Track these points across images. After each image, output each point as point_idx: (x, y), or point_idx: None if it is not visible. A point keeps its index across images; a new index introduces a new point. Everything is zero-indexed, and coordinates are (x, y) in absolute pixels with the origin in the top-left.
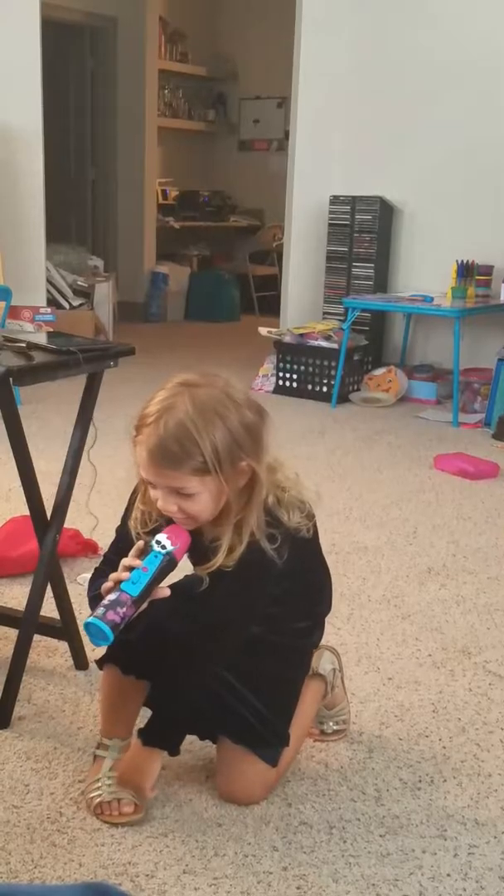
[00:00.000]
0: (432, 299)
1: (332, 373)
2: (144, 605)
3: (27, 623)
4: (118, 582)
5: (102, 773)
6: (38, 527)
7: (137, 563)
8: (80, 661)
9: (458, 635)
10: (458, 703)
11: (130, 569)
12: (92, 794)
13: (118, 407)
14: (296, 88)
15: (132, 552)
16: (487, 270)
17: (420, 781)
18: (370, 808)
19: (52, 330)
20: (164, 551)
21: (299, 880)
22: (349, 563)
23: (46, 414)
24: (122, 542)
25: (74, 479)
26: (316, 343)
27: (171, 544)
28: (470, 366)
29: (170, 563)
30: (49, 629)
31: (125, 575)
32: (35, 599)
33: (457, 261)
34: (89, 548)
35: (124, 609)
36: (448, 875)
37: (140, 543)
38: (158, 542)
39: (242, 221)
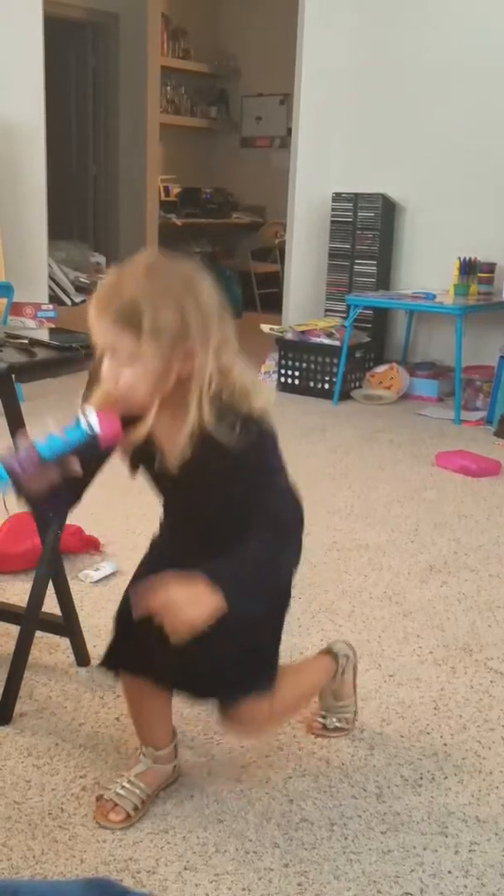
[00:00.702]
0: (434, 296)
1: (334, 370)
2: (52, 474)
3: (29, 619)
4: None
5: (129, 773)
6: (40, 523)
7: (60, 428)
8: (81, 658)
9: (459, 633)
10: (460, 701)
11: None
12: (109, 786)
13: None
14: (298, 85)
15: (60, 415)
16: (490, 268)
17: (421, 778)
18: (371, 805)
19: (53, 326)
20: (87, 430)
21: (300, 877)
22: (350, 561)
23: (48, 410)
24: None
25: None
26: (318, 340)
27: (97, 426)
28: (472, 363)
29: (91, 444)
30: (51, 626)
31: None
32: (37, 596)
33: (459, 258)
34: (91, 544)
35: (27, 464)
36: (449, 872)
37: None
38: (88, 422)
39: (244, 218)
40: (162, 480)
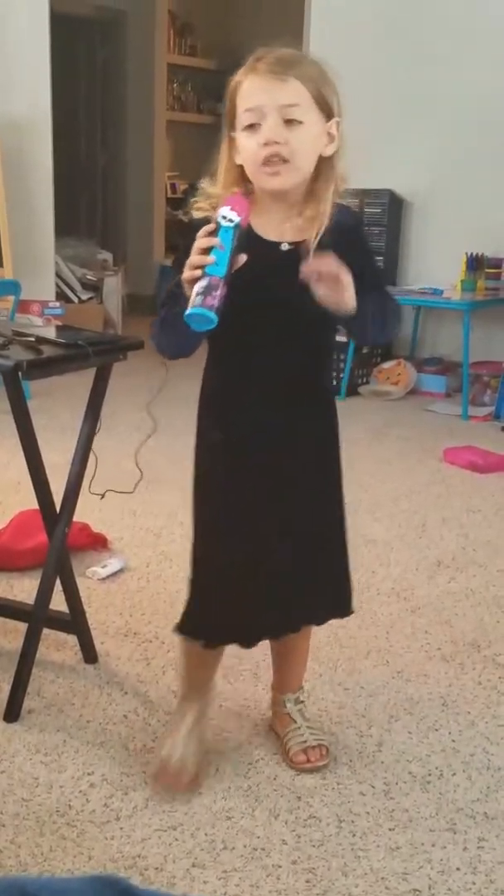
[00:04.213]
0: (442, 292)
1: (342, 365)
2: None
3: (36, 617)
4: (202, 267)
5: (184, 726)
6: (48, 520)
7: (215, 240)
8: (89, 655)
9: (467, 628)
10: (468, 697)
11: (208, 250)
12: (165, 751)
13: (127, 400)
14: None
15: (201, 234)
16: (497, 263)
17: (429, 775)
18: (379, 802)
19: (60, 324)
20: (232, 224)
21: (308, 874)
22: (358, 556)
23: (55, 408)
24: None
25: (83, 473)
26: None
27: (238, 214)
28: (480, 358)
29: (239, 233)
30: (58, 623)
31: (209, 259)
32: (44, 593)
33: (466, 253)
34: (98, 541)
35: (218, 291)
36: (457, 869)
37: (208, 226)
38: (224, 217)
39: None
40: (268, 281)
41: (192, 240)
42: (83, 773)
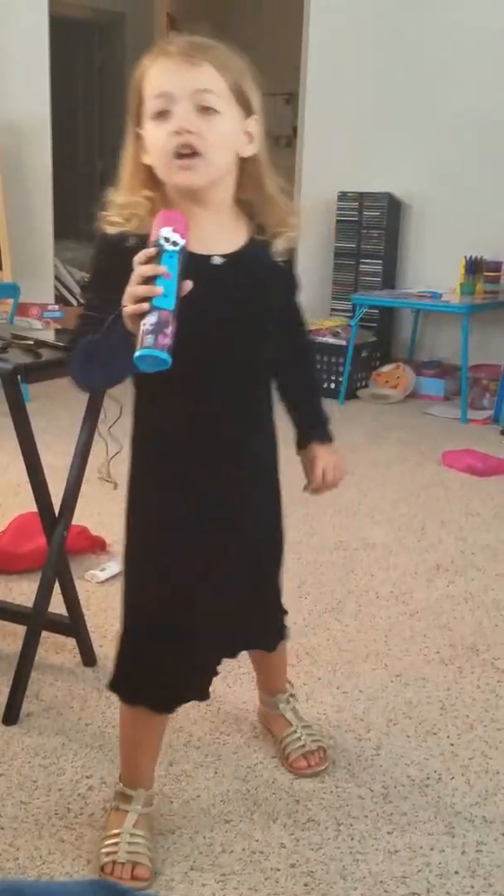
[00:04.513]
0: (440, 295)
1: (340, 369)
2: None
3: (35, 619)
4: (149, 300)
5: (124, 829)
6: (46, 523)
7: (161, 269)
8: (87, 658)
9: (466, 632)
10: (467, 700)
11: (153, 278)
12: (106, 850)
13: (126, 403)
14: (303, 85)
15: (140, 259)
16: (496, 266)
17: (428, 778)
18: (378, 806)
19: (59, 327)
20: (177, 248)
21: (307, 877)
22: (357, 560)
23: (54, 411)
24: (100, 300)
25: (82, 476)
26: (324, 339)
27: (181, 235)
28: (478, 362)
29: (184, 256)
30: (57, 626)
31: (156, 290)
32: (43, 596)
33: (465, 257)
34: (97, 544)
35: (170, 328)
36: (456, 872)
37: (148, 251)
38: (167, 240)
39: None
40: (207, 296)
41: (111, 259)
42: (82, 776)
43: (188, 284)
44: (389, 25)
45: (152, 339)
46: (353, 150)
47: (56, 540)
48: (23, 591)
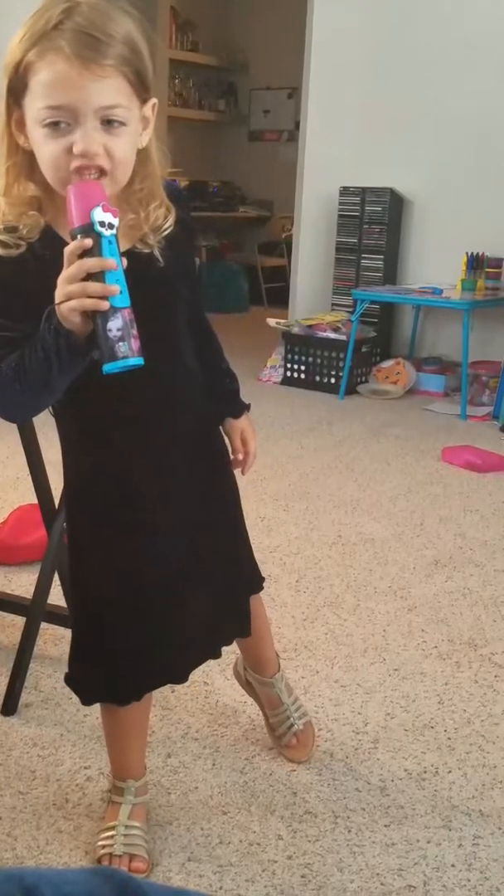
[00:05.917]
0: (441, 291)
1: (341, 364)
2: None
3: (34, 611)
4: (105, 298)
5: (119, 822)
6: (46, 515)
7: (110, 262)
8: None
9: (464, 627)
10: (464, 695)
11: (101, 271)
12: (102, 843)
13: None
14: (306, 79)
15: (74, 251)
16: (497, 263)
17: (425, 772)
18: (375, 798)
19: None
20: (114, 230)
21: (304, 869)
22: (356, 555)
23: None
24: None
25: None
26: (324, 335)
27: (113, 215)
28: (479, 358)
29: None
30: (56, 617)
31: (111, 288)
32: (42, 587)
33: (466, 253)
34: None
35: (135, 327)
36: (452, 865)
37: (81, 243)
38: (103, 223)
39: (252, 212)
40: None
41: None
42: (80, 767)
43: (123, 261)
44: (392, 20)
45: (125, 347)
46: (355, 145)
47: (55, 532)
48: (22, 583)
